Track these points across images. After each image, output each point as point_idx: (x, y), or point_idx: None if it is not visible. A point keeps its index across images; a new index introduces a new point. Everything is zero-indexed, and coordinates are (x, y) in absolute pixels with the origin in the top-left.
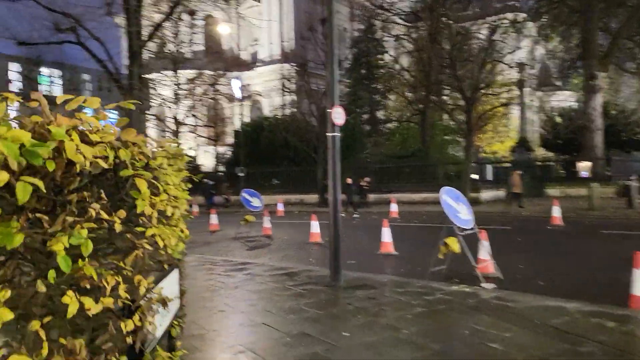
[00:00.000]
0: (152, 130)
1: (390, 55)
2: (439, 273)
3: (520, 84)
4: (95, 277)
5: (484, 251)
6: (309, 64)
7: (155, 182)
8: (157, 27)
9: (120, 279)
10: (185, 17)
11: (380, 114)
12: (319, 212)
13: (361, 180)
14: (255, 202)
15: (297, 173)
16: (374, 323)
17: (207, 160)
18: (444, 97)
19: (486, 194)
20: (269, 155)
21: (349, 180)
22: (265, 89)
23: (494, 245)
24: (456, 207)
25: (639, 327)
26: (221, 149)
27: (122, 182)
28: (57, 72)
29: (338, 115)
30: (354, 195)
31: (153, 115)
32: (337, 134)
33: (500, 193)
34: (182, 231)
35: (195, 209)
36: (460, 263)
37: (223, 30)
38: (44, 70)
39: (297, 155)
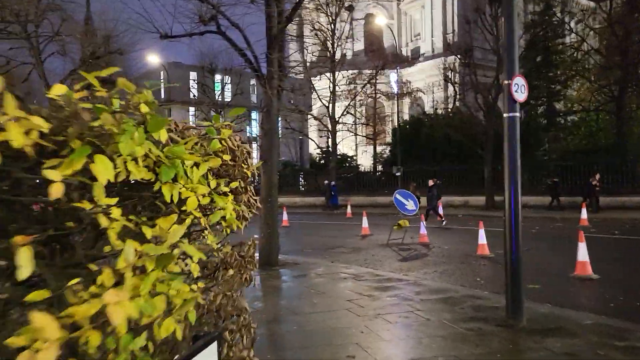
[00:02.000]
0: (312, 130)
1: (576, 34)
2: None
3: None
4: None
5: None
6: (474, 54)
7: None
8: (298, 4)
9: None
10: (344, 15)
11: (559, 106)
12: (488, 218)
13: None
14: (410, 204)
15: (461, 172)
16: None
17: (365, 160)
18: None
19: None
20: (429, 153)
21: (431, 183)
22: (426, 85)
23: None
24: None
25: None
26: (379, 149)
27: None
28: (227, 79)
29: (519, 88)
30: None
31: (311, 114)
32: (517, 114)
33: None
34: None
35: (349, 210)
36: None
37: (383, 27)
38: (217, 77)
39: (461, 152)
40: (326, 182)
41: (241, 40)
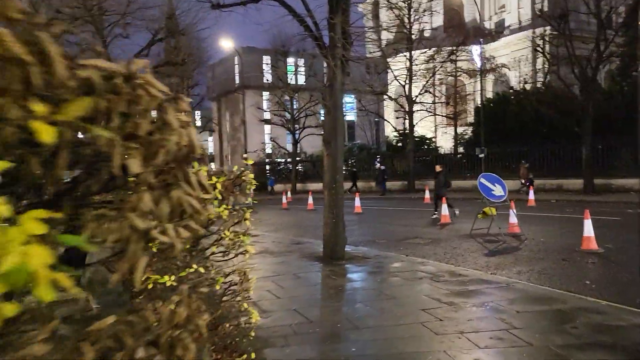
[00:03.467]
0: (389, 112)
1: None
2: None
3: None
4: None
5: None
6: (569, 21)
7: None
8: None
9: None
10: None
11: None
12: (587, 203)
13: None
14: (498, 190)
15: (553, 152)
16: None
17: (445, 142)
18: None
19: None
20: (515, 132)
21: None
22: (512, 60)
23: None
24: None
25: None
26: (460, 130)
27: None
28: (300, 61)
29: None
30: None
31: (387, 95)
32: None
33: None
34: None
35: (427, 194)
36: None
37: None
38: (290, 60)
39: (553, 131)
40: (377, 165)
41: (301, 7)
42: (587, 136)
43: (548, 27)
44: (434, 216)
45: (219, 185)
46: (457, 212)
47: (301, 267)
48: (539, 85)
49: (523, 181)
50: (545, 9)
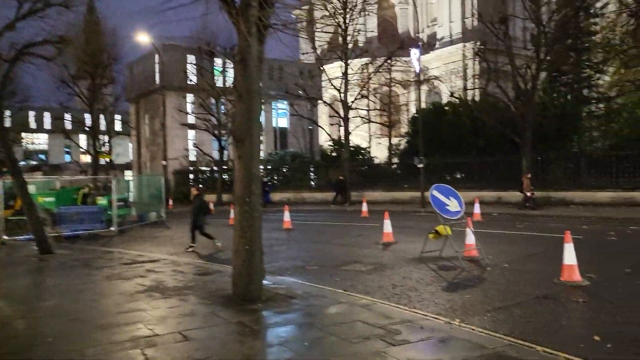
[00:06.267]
0: (323, 120)
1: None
2: None
3: None
4: None
5: None
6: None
7: None
8: None
9: None
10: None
11: (590, 92)
12: (530, 218)
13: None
14: (453, 205)
15: (492, 164)
16: None
17: (380, 152)
18: None
19: None
20: (452, 143)
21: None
22: (444, 73)
23: None
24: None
25: None
26: (395, 140)
27: None
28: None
29: None
30: None
31: (323, 101)
32: None
33: None
34: None
35: (364, 208)
36: None
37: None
38: (218, 61)
39: (489, 143)
40: (265, 179)
41: None
42: (528, 147)
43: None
44: (190, 250)
45: None
46: (219, 243)
47: (197, 318)
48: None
49: (529, 194)
50: (475, 24)
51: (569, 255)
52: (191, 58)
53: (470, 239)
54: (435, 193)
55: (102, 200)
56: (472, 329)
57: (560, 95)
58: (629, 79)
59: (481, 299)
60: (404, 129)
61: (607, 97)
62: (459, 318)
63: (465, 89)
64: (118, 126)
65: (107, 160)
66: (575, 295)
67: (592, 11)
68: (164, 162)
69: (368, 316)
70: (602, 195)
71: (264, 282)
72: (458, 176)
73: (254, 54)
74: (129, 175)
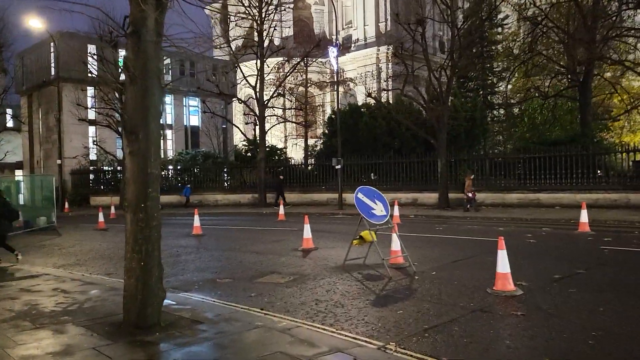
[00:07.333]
0: (237, 117)
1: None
2: None
3: None
4: None
5: None
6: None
7: None
8: None
9: None
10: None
11: (494, 98)
12: (446, 220)
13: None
14: (379, 209)
15: (408, 165)
16: None
17: (296, 153)
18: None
19: None
20: (369, 145)
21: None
22: (358, 75)
23: None
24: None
25: None
26: (311, 141)
27: None
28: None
29: None
30: None
31: (238, 98)
32: None
33: None
34: None
35: (281, 210)
36: None
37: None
38: (122, 52)
39: (405, 144)
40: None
41: None
42: (443, 149)
43: (390, 46)
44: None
45: None
46: (20, 257)
47: (75, 357)
48: (387, 98)
49: (470, 195)
50: (389, 28)
51: (503, 263)
52: (92, 48)
53: (396, 245)
54: (360, 196)
55: None
56: (411, 356)
57: (468, 100)
58: (529, 87)
59: (414, 314)
60: (320, 130)
61: (508, 103)
62: (394, 341)
63: (379, 90)
64: (10, 122)
65: None
66: (512, 307)
67: (495, 21)
68: (59, 161)
69: (290, 344)
70: (510, 197)
71: (165, 302)
72: (373, 177)
73: (150, 25)
74: (19, 175)
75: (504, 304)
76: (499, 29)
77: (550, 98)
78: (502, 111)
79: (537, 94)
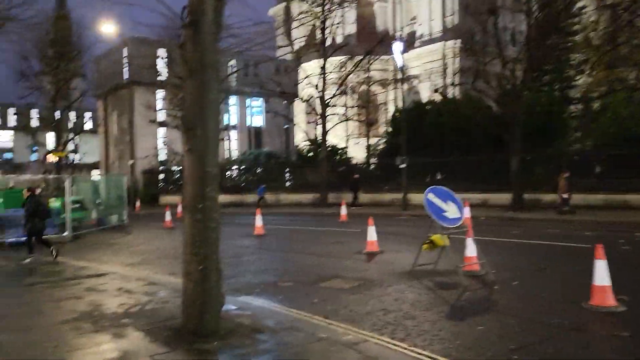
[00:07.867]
0: (299, 117)
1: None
2: None
3: None
4: None
5: None
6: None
7: None
8: None
9: None
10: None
11: (571, 92)
12: (520, 222)
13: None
14: (452, 210)
15: (477, 164)
16: None
17: (358, 152)
18: None
19: None
20: (435, 143)
21: None
22: (424, 72)
23: None
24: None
25: None
26: (373, 140)
27: None
28: None
29: None
30: None
31: (299, 97)
32: None
33: None
34: None
35: (343, 211)
36: None
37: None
38: None
39: (473, 142)
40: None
41: None
42: (517, 146)
43: (458, 40)
44: (27, 260)
45: None
46: (27, 259)
47: None
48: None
49: (565, 196)
50: (456, 21)
51: (602, 275)
52: (161, 52)
53: (471, 250)
54: (431, 197)
55: (55, 203)
56: None
57: (543, 94)
58: (611, 79)
59: (498, 331)
60: (383, 128)
61: (588, 97)
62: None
63: (445, 86)
64: (89, 124)
65: (58, 158)
66: (615, 326)
67: (572, 11)
68: (131, 161)
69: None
70: (595, 198)
71: (225, 306)
72: (439, 177)
73: (209, 15)
74: (96, 175)
75: (604, 322)
76: (576, 19)
77: (638, 90)
78: (579, 106)
79: (621, 87)
